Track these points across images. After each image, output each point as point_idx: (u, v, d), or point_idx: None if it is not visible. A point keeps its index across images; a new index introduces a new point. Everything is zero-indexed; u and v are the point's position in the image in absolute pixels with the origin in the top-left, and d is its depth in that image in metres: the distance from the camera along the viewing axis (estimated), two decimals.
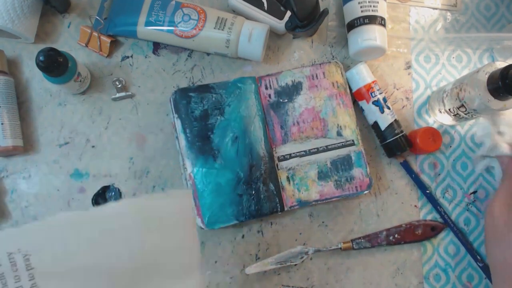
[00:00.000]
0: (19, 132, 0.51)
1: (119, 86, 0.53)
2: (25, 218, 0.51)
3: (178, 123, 0.51)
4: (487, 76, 0.46)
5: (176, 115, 0.51)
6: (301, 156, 0.52)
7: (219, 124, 0.51)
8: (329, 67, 0.53)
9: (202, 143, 0.50)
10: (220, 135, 0.51)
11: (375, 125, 0.53)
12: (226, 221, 0.50)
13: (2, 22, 0.48)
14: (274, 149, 0.52)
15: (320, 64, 0.54)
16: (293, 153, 0.52)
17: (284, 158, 0.52)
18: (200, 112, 0.51)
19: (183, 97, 0.51)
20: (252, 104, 0.52)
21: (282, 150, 0.52)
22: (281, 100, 0.53)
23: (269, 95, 0.53)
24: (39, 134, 0.53)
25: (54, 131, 0.53)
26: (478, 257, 0.54)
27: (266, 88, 0.53)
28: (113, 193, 0.52)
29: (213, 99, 0.51)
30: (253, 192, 0.50)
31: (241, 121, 0.51)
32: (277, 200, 0.51)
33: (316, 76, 0.53)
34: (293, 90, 0.53)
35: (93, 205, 0.52)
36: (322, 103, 0.53)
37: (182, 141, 0.50)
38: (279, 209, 0.51)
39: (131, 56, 0.55)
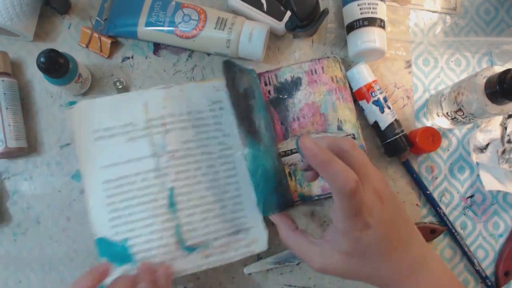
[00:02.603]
0: (23, 133, 0.51)
1: (120, 87, 0.53)
2: (26, 220, 0.51)
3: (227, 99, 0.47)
4: (484, 80, 0.46)
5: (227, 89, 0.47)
6: None
7: (254, 107, 0.48)
8: (328, 62, 0.53)
9: (249, 123, 0.47)
10: (258, 118, 0.48)
11: (375, 125, 0.53)
12: (273, 209, 0.46)
13: (1, 20, 0.48)
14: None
15: (318, 59, 0.53)
16: (294, 148, 0.52)
17: (286, 153, 0.52)
18: (242, 91, 0.48)
19: (231, 70, 0.47)
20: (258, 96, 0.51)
21: (283, 146, 0.52)
22: (280, 96, 0.53)
23: (269, 91, 0.52)
24: (40, 135, 0.53)
25: (55, 133, 0.53)
26: (475, 261, 0.54)
27: (266, 85, 0.53)
28: None
29: (247, 79, 0.49)
30: (285, 181, 0.49)
31: (263, 109, 0.49)
32: (288, 195, 0.50)
33: (315, 71, 0.53)
34: (293, 85, 0.53)
35: None
36: (321, 98, 0.53)
37: (232, 119, 0.47)
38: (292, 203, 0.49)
39: (132, 57, 0.54)
